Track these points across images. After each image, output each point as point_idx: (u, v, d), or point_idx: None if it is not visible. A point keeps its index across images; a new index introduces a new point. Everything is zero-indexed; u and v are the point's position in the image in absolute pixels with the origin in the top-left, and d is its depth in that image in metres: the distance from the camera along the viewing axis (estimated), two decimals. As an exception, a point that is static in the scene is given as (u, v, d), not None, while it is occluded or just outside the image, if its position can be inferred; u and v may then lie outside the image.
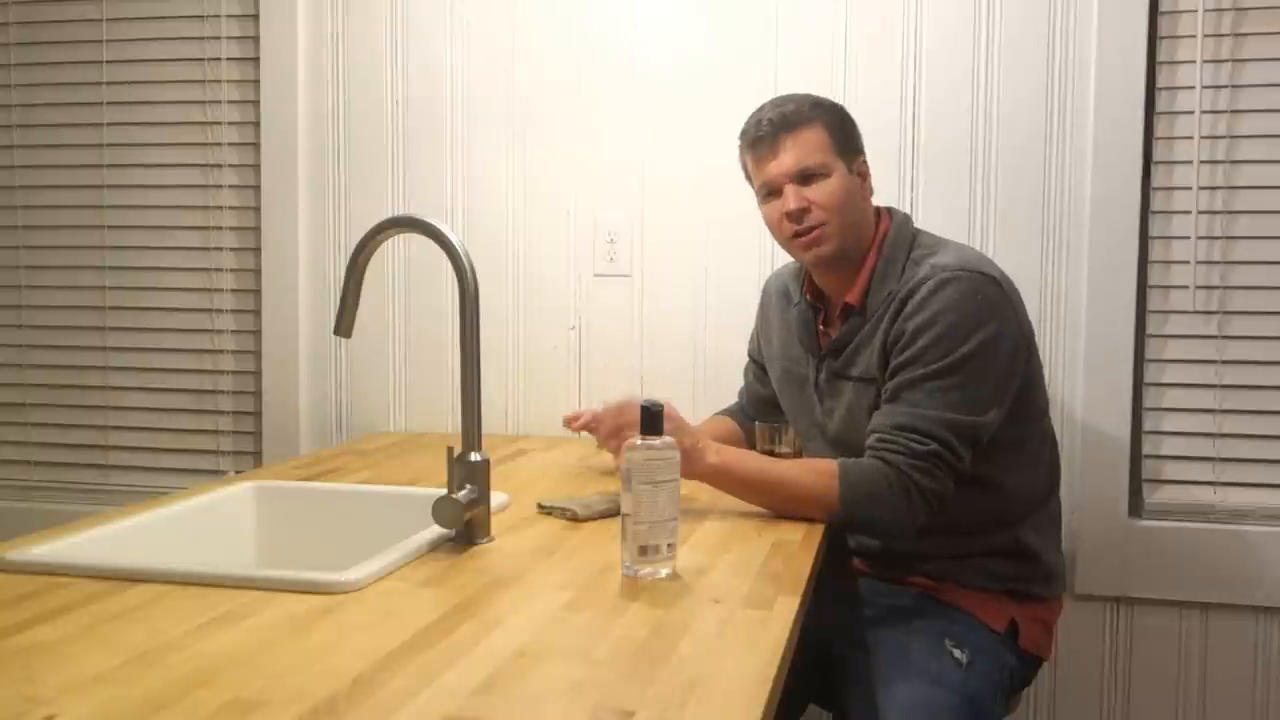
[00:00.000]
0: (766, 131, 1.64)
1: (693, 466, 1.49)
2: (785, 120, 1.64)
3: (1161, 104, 2.05)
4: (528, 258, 2.32)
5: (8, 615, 1.07)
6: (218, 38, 2.44)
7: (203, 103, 2.46)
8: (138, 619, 1.07)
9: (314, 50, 2.39)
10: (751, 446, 1.83)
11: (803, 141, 1.63)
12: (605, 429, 1.61)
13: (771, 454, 1.76)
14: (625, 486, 1.24)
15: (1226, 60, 2.02)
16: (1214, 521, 2.06)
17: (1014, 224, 2.10)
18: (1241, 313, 2.04)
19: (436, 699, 0.88)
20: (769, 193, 1.67)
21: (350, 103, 2.38)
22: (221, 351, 2.49)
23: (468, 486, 1.35)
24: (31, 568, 1.22)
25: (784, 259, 1.87)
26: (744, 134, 1.69)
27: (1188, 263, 2.05)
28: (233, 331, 2.48)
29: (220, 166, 2.46)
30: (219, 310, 2.48)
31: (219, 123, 2.45)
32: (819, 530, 1.48)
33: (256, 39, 2.40)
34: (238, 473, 2.21)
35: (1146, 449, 2.10)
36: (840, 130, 1.66)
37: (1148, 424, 2.09)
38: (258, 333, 2.45)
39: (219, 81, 2.44)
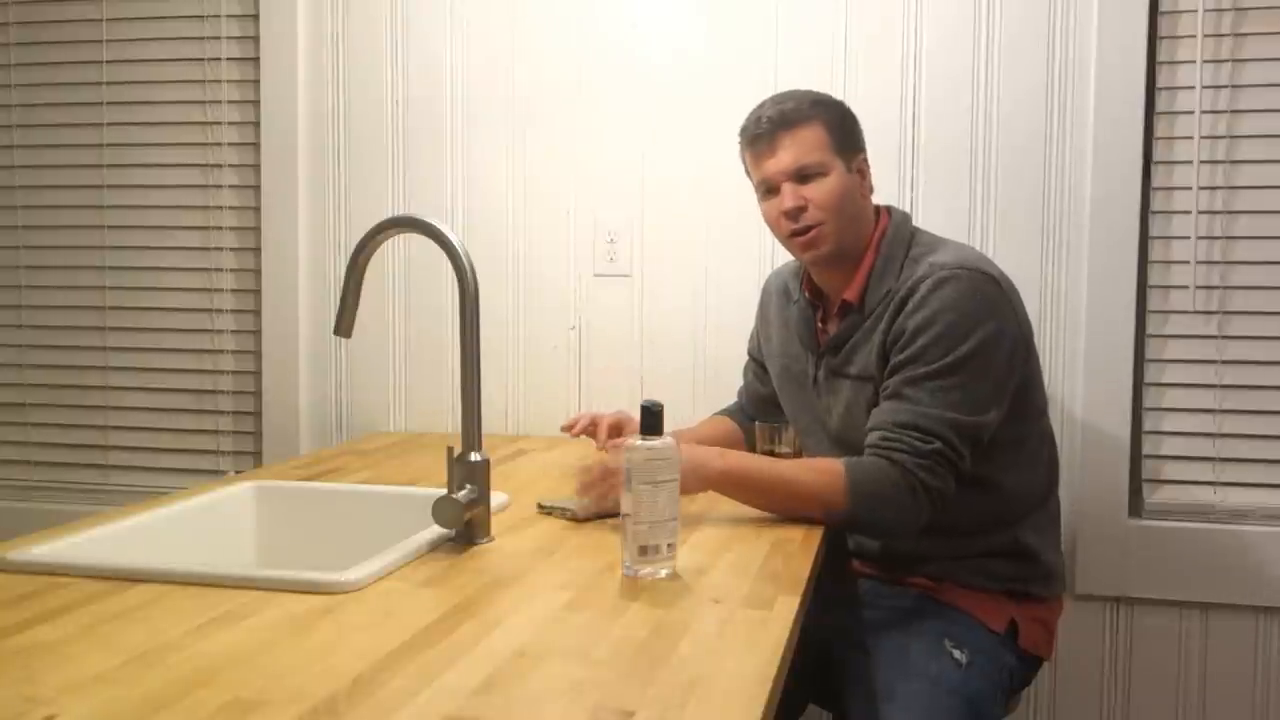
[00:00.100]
0: (765, 129, 1.64)
1: (701, 473, 1.49)
2: (784, 118, 1.63)
3: (1161, 104, 2.05)
4: (528, 258, 2.32)
5: (8, 615, 1.08)
6: (218, 38, 2.44)
7: (203, 103, 2.46)
8: (138, 619, 1.07)
9: (314, 50, 2.39)
10: (751, 447, 1.83)
11: (801, 140, 1.63)
12: (593, 480, 1.52)
13: (771, 454, 1.75)
14: (625, 486, 1.24)
15: (1226, 60, 2.02)
16: (1214, 521, 2.06)
17: (1014, 224, 2.10)
18: (1241, 313, 2.04)
19: (436, 699, 0.88)
20: (767, 190, 1.67)
21: (350, 103, 2.38)
22: (221, 351, 2.49)
23: (468, 486, 1.35)
24: (31, 568, 1.22)
25: (784, 258, 1.88)
26: (743, 131, 1.69)
27: (1188, 263, 2.05)
28: (233, 331, 2.48)
29: (220, 166, 2.46)
30: (219, 310, 2.48)
31: (219, 123, 2.45)
32: (818, 530, 1.48)
33: (256, 39, 2.40)
34: (238, 473, 2.21)
35: (1146, 449, 2.10)
36: (840, 128, 1.66)
37: (1148, 424, 2.09)
38: (258, 333, 2.45)
39: (219, 81, 2.44)
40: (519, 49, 2.30)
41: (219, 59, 2.44)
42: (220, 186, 2.46)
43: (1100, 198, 2.05)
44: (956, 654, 1.55)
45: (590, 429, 1.87)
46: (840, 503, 1.50)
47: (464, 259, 1.40)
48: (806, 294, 1.75)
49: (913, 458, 1.50)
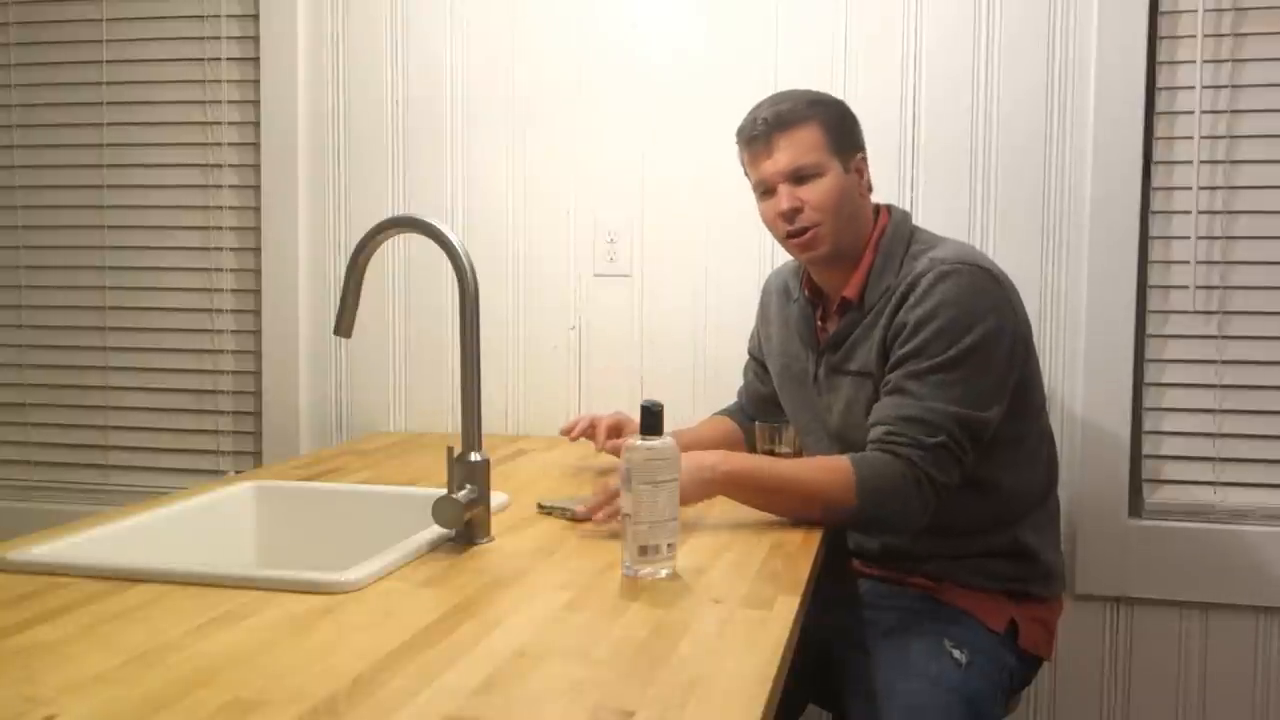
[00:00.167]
0: (761, 131, 1.64)
1: (706, 478, 1.48)
2: (780, 119, 1.63)
3: (1161, 104, 2.05)
4: (528, 258, 2.32)
5: (8, 615, 1.08)
6: (218, 38, 2.44)
7: (203, 103, 2.46)
8: (138, 619, 1.07)
9: (314, 50, 2.39)
10: (751, 447, 1.83)
11: (797, 141, 1.62)
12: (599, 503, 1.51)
13: (771, 454, 1.76)
14: (625, 486, 1.24)
15: (1226, 60, 2.02)
16: (1214, 521, 2.06)
17: (1014, 224, 2.10)
18: (1241, 313, 2.04)
19: (436, 699, 0.88)
20: (764, 191, 1.67)
21: (350, 103, 2.38)
22: (221, 351, 2.49)
23: (468, 486, 1.35)
24: (31, 568, 1.22)
25: (784, 258, 1.87)
26: (740, 132, 1.69)
27: (1188, 263, 2.05)
28: (233, 331, 2.48)
29: (220, 166, 2.46)
30: (219, 310, 2.48)
31: (219, 123, 2.45)
32: (818, 531, 1.48)
33: (256, 39, 2.40)
34: (238, 473, 2.21)
35: (1146, 449, 2.10)
36: (837, 128, 1.66)
37: (1148, 424, 2.09)
38: (258, 333, 2.45)
39: (219, 81, 2.44)
40: (519, 49, 2.30)
41: (219, 59, 2.44)
42: (220, 186, 2.46)
43: (1100, 198, 2.05)
44: (956, 654, 1.55)
45: (589, 431, 1.87)
46: (849, 500, 1.49)
47: (464, 259, 1.40)
48: (806, 292, 1.75)
49: (918, 451, 1.49)
